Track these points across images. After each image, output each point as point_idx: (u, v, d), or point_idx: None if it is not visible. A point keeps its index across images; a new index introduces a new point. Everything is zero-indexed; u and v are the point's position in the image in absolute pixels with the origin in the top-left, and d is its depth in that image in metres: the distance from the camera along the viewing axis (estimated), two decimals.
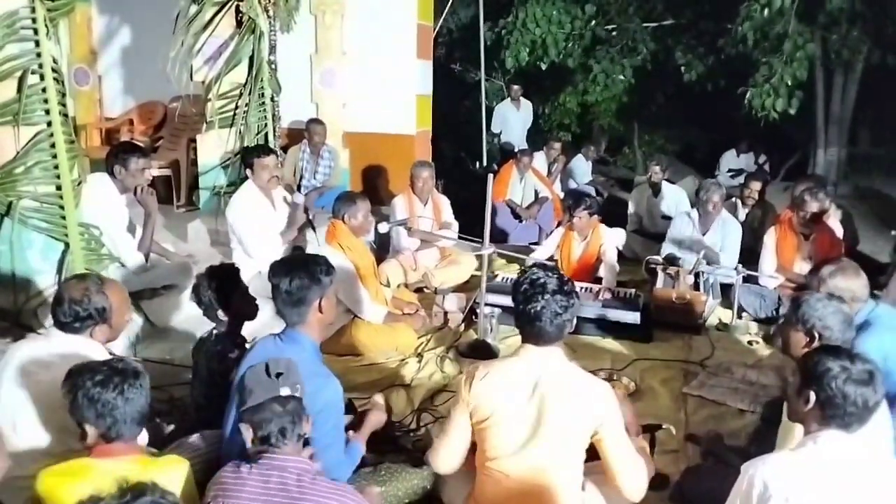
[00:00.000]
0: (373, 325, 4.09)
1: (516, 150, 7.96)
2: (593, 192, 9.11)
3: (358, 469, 2.57)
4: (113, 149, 4.03)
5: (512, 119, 8.98)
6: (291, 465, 1.87)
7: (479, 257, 4.24)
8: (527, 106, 9.21)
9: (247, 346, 2.77)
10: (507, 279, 4.79)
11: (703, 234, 5.19)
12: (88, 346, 2.46)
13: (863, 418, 1.87)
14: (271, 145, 5.27)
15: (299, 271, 2.41)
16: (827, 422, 1.88)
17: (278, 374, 1.97)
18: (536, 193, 7.19)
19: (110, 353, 2.46)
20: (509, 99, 9.14)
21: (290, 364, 2.04)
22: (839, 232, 5.09)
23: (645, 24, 10.08)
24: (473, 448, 2.51)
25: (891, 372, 2.69)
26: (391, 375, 3.84)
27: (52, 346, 2.46)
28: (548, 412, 2.18)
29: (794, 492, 1.77)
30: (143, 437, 2.38)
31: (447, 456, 2.39)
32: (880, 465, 1.89)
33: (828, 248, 4.70)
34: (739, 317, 4.65)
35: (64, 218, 3.50)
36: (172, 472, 1.98)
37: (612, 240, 5.26)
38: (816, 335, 2.43)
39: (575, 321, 2.31)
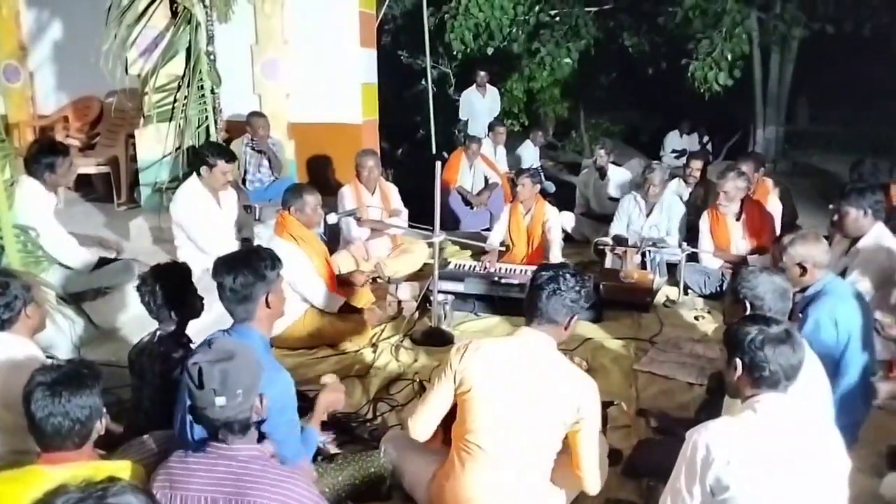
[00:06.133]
0: (326, 315, 4.06)
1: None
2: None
3: (315, 459, 2.56)
4: (32, 151, 3.88)
5: (478, 106, 8.84)
6: (241, 453, 1.82)
7: (431, 245, 4.24)
8: (493, 93, 9.07)
9: (192, 346, 2.71)
10: (460, 266, 4.81)
11: (648, 215, 5.29)
12: (17, 344, 2.44)
13: (789, 375, 1.95)
14: (213, 139, 5.16)
15: (242, 268, 2.36)
16: (757, 384, 1.96)
17: (213, 389, 1.82)
18: (486, 180, 7.22)
19: (49, 356, 2.41)
20: (475, 86, 8.90)
21: (229, 369, 1.84)
22: (778, 208, 5.24)
23: (587, 9, 10.19)
24: (445, 428, 2.52)
25: (839, 336, 2.80)
26: (346, 366, 3.81)
27: None
28: (535, 396, 2.25)
29: (735, 454, 1.83)
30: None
31: (425, 421, 2.42)
32: (816, 426, 1.97)
33: (758, 224, 4.84)
34: (685, 294, 4.77)
35: None
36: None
37: (557, 218, 5.33)
38: (748, 305, 2.52)
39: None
